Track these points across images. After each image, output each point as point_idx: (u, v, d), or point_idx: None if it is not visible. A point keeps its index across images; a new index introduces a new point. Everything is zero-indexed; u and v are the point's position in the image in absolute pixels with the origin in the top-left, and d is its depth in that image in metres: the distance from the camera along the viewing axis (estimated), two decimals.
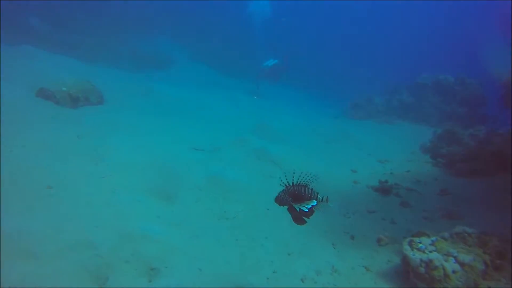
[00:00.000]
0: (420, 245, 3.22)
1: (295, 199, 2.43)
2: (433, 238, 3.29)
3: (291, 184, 2.44)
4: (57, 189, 4.23)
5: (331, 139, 9.74)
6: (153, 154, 5.76)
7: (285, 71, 14.82)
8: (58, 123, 6.39)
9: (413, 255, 3.15)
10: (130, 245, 3.36)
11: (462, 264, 3.01)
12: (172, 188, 4.73)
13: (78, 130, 6.23)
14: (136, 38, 16.64)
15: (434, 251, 3.12)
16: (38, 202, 3.89)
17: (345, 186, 6.00)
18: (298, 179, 2.43)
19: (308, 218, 2.46)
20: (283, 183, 2.41)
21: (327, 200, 2.47)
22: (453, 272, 2.97)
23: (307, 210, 2.37)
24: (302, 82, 19.73)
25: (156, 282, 3.10)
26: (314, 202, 2.42)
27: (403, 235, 4.13)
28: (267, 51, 15.03)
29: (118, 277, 3.03)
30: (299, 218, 2.47)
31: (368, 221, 4.62)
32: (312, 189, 2.44)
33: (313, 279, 3.36)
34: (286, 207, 2.55)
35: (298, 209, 2.39)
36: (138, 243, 3.40)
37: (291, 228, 4.38)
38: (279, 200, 2.46)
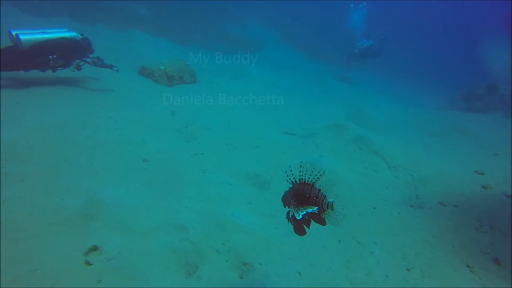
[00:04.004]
0: None
1: (299, 201, 1.89)
2: None
3: (297, 182, 1.89)
4: (151, 163, 4.16)
5: (439, 132, 8.25)
6: (244, 136, 5.44)
7: (379, 54, 13.31)
8: (155, 100, 6.55)
9: None
10: (221, 233, 3.01)
11: None
12: (264, 173, 4.29)
13: (172, 107, 6.29)
14: (228, 22, 16.83)
15: None
16: (133, 174, 3.85)
17: (470, 190, 4.79)
18: (302, 175, 1.86)
19: (308, 227, 1.90)
20: (289, 179, 1.88)
21: (332, 207, 1.85)
22: None
23: (300, 217, 1.79)
24: (397, 68, 17.70)
25: (248, 279, 2.68)
26: (309, 210, 1.83)
27: None
28: (360, 33, 13.65)
29: (208, 268, 2.70)
30: (298, 227, 1.88)
31: None
32: (319, 190, 1.85)
33: None
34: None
35: (291, 215, 1.85)
36: (229, 232, 3.03)
37: (405, 234, 3.56)
38: (284, 200, 1.95)
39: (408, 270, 2.95)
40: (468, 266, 3.03)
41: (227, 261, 2.80)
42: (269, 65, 12.62)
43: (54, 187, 3.30)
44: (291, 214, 1.86)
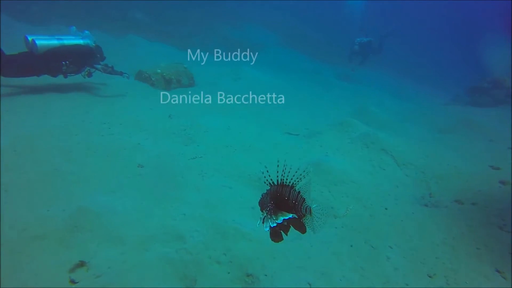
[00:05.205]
0: None
1: (277, 204, 1.65)
2: None
3: (276, 183, 1.64)
4: (147, 168, 3.92)
5: (447, 128, 7.97)
6: (245, 138, 5.19)
7: (380, 52, 13.07)
8: (152, 104, 6.33)
9: None
10: (222, 241, 2.75)
11: None
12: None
13: (170, 111, 6.06)
14: (228, 25, 16.68)
15: None
16: (128, 180, 3.60)
17: (487, 187, 4.50)
18: (282, 176, 1.61)
19: (286, 233, 1.66)
20: (267, 181, 1.64)
21: (310, 211, 1.61)
22: None
23: (267, 229, 1.57)
24: (398, 66, 17.47)
25: None
26: (282, 218, 1.61)
27: None
28: (359, 32, 13.47)
29: (208, 281, 2.44)
30: (274, 233, 1.63)
31: None
32: (299, 192, 1.62)
33: None
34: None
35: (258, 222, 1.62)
36: (231, 240, 2.77)
37: (422, 236, 3.27)
38: (261, 204, 1.69)
39: (430, 276, 2.66)
40: (498, 271, 2.73)
41: (229, 272, 2.53)
42: (269, 67, 12.40)
43: (40, 197, 3.06)
44: (258, 223, 1.61)
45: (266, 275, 2.50)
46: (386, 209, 3.74)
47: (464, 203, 4.07)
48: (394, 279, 2.60)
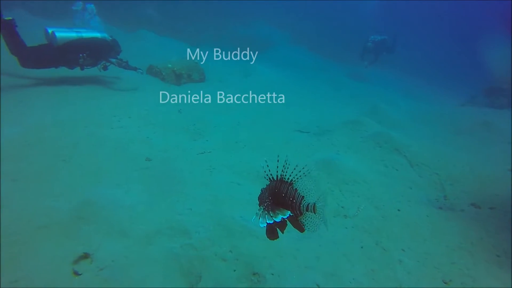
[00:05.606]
0: None
1: (275, 201, 1.61)
2: None
3: (275, 178, 1.63)
4: (155, 162, 3.87)
5: (463, 129, 7.74)
6: (255, 134, 5.11)
7: (393, 50, 12.80)
8: (161, 98, 6.29)
9: None
10: (228, 238, 2.67)
11: None
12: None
13: (179, 105, 6.02)
14: (239, 23, 16.62)
15: None
16: (135, 174, 3.56)
17: (505, 190, 4.32)
18: (283, 171, 1.60)
19: (282, 231, 1.62)
20: (267, 175, 1.62)
21: (313, 209, 1.54)
22: None
23: (263, 225, 1.53)
24: (409, 66, 17.12)
25: None
26: (279, 217, 1.55)
27: None
28: (374, 32, 13.22)
29: (213, 278, 2.37)
30: (270, 230, 1.58)
31: None
32: (296, 189, 1.58)
33: None
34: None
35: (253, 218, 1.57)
36: (237, 237, 2.69)
37: (437, 240, 3.14)
38: (260, 199, 1.68)
39: (445, 283, 2.54)
40: None
41: (234, 270, 2.45)
42: (280, 64, 12.29)
43: (48, 188, 3.04)
44: (253, 218, 1.55)
45: (272, 274, 2.42)
46: (398, 210, 3.62)
47: (481, 207, 3.92)
48: (407, 283, 2.49)
